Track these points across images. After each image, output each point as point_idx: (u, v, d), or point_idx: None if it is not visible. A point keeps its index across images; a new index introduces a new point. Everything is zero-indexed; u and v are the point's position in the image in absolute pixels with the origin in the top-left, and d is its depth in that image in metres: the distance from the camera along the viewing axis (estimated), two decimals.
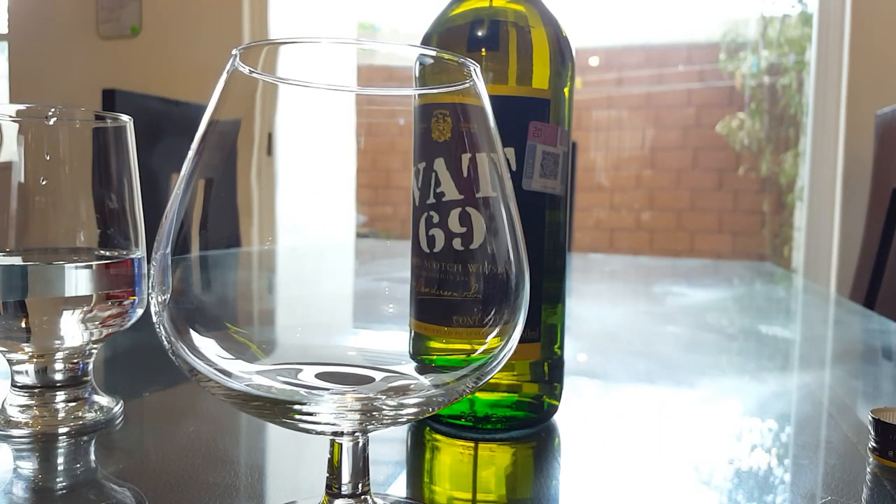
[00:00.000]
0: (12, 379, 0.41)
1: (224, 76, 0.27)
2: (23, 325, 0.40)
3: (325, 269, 0.35)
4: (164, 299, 0.27)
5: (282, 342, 0.32)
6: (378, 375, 0.30)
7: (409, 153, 0.34)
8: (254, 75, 0.26)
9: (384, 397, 0.27)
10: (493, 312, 0.28)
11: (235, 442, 0.41)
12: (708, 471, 0.38)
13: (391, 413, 0.26)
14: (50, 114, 0.41)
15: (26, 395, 0.41)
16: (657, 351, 0.69)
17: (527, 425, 0.43)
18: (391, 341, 0.34)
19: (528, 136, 0.40)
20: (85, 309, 0.41)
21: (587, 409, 0.49)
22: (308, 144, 0.31)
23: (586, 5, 3.40)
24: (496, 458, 0.39)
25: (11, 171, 0.41)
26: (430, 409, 0.27)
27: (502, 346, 0.28)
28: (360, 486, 0.28)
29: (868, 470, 0.38)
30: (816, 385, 0.57)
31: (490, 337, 0.28)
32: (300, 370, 0.29)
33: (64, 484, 0.34)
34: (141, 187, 0.45)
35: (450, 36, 0.41)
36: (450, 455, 0.39)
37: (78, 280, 0.41)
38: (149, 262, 0.27)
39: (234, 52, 0.27)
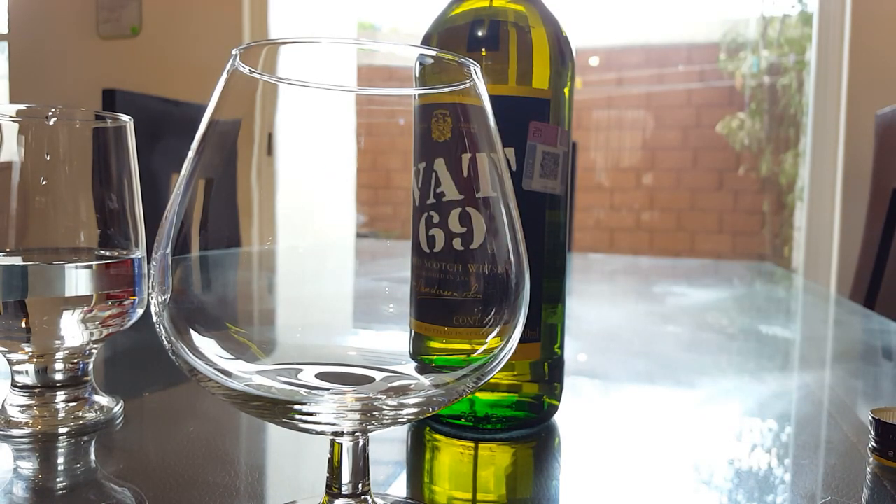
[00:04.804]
0: (12, 379, 0.41)
1: (224, 76, 0.27)
2: (23, 325, 0.40)
3: (325, 269, 0.35)
4: (164, 299, 0.27)
5: (282, 342, 0.32)
6: (378, 375, 0.30)
7: (409, 153, 0.34)
8: (254, 75, 0.26)
9: (384, 397, 0.27)
10: (493, 312, 0.28)
11: (235, 442, 0.41)
12: (708, 471, 0.38)
13: (391, 413, 0.26)
14: (50, 114, 0.41)
15: (26, 395, 0.41)
16: (657, 351, 0.69)
17: (527, 425, 0.43)
18: (391, 341, 0.34)
19: (528, 136, 0.40)
20: (85, 309, 0.41)
21: (587, 409, 0.49)
22: (308, 144, 0.31)
23: (586, 5, 3.40)
24: (496, 458, 0.39)
25: (11, 171, 0.41)
26: (430, 409, 0.27)
27: (502, 346, 0.28)
28: (360, 486, 0.28)
29: (868, 470, 0.38)
30: (816, 385, 0.57)
31: (490, 337, 0.28)
32: (300, 370, 0.29)
33: (64, 484, 0.34)
34: (141, 187, 0.45)
35: (450, 36, 0.41)
36: (450, 455, 0.39)
37: (78, 280, 0.41)
38: (149, 262, 0.27)
39: (234, 52, 0.27)
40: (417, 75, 0.33)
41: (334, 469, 0.28)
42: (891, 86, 2.15)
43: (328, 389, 0.29)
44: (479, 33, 0.40)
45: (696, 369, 0.62)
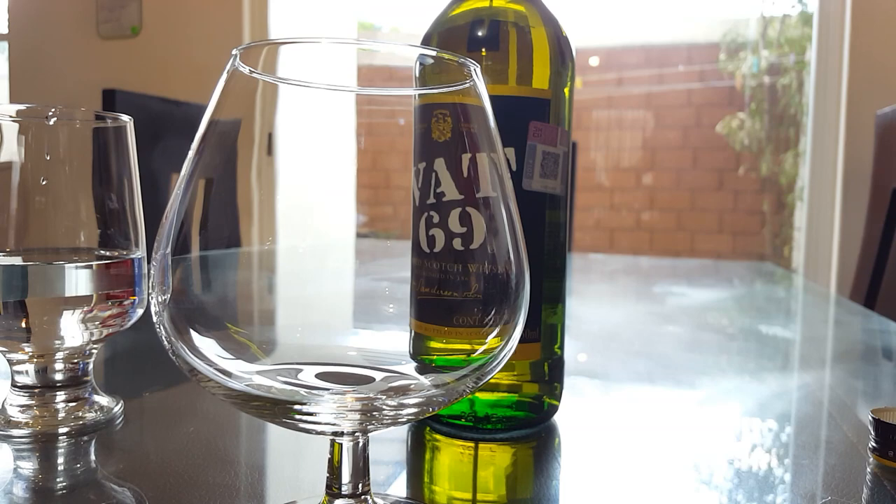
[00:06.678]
0: (12, 379, 0.41)
1: (224, 76, 0.27)
2: (23, 325, 0.40)
3: (325, 269, 0.35)
4: (164, 299, 0.27)
5: (282, 342, 0.32)
6: (378, 375, 0.30)
7: (409, 153, 0.34)
8: (254, 75, 0.26)
9: (384, 397, 0.27)
10: (493, 312, 0.28)
11: (235, 442, 0.41)
12: (708, 471, 0.38)
13: (391, 413, 0.26)
14: (50, 114, 0.41)
15: (26, 395, 0.41)
16: (657, 351, 0.69)
17: (527, 425, 0.43)
18: (391, 341, 0.34)
19: (528, 136, 0.40)
20: (85, 309, 0.41)
21: (587, 409, 0.49)
22: (308, 144, 0.31)
23: (586, 5, 3.40)
24: (496, 458, 0.39)
25: (11, 171, 0.41)
26: (431, 409, 0.27)
27: (502, 346, 0.28)
28: (360, 486, 0.28)
29: (868, 470, 0.38)
30: (816, 385, 0.57)
31: (490, 337, 0.28)
32: (300, 370, 0.29)
33: (64, 484, 0.34)
34: (141, 187, 0.45)
35: (450, 36, 0.41)
36: (450, 455, 0.39)
37: (78, 280, 0.41)
38: (149, 262, 0.27)
39: (234, 52, 0.27)
40: (417, 75, 0.33)
41: (334, 469, 0.28)
42: (891, 86, 2.15)
43: (328, 389, 0.29)
44: (479, 33, 0.40)
45: (696, 369, 0.62)
